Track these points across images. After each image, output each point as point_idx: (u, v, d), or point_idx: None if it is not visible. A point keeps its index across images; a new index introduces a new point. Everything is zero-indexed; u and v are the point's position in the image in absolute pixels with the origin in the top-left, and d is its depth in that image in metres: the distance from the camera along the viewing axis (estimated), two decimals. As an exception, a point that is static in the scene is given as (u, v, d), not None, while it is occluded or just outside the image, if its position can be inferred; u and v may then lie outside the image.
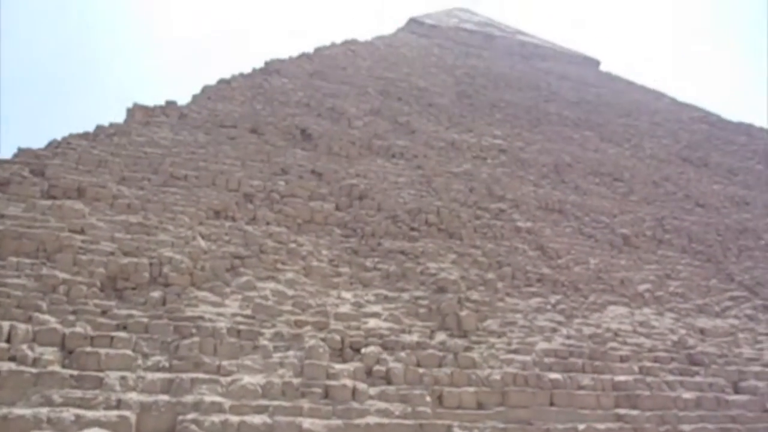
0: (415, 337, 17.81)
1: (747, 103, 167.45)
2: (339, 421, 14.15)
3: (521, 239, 25.57)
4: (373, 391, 15.41)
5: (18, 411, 12.49)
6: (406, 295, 20.04)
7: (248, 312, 17.09)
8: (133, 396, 13.54)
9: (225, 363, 15.03)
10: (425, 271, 21.37)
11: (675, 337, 21.45)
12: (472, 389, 16.38)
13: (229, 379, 14.59)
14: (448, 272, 21.40)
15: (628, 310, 23.01)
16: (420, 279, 21.02)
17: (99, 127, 24.28)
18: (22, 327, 14.55)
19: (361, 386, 15.31)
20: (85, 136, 23.39)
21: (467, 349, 17.88)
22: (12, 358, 13.79)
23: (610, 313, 22.43)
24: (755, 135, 47.91)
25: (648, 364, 19.53)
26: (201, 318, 16.20)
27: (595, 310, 22.36)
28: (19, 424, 12.22)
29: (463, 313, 19.18)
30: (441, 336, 18.34)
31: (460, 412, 15.72)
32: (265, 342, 16.12)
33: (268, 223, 21.78)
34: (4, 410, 12.44)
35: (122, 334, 15.23)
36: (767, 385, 19.80)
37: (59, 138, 22.93)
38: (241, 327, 16.33)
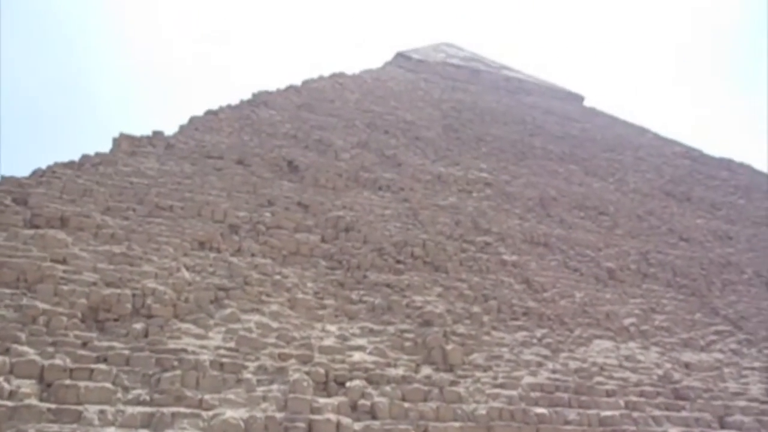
0: (400, 371, 17.66)
1: (730, 136, 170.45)
2: (322, 457, 13.89)
3: (507, 272, 25.58)
4: (357, 426, 15.20)
5: (-8, 446, 12.16)
6: (391, 329, 19.91)
7: (232, 345, 16.88)
8: (112, 431, 13.24)
9: (207, 397, 14.78)
10: (411, 304, 21.28)
11: (660, 372, 21.41)
12: (457, 424, 16.20)
13: (211, 413, 14.32)
14: (434, 305, 21.33)
15: (613, 344, 22.98)
16: (405, 312, 20.91)
17: (84, 157, 24.17)
18: (-1, 359, 14.25)
19: (346, 421, 15.10)
20: (70, 165, 23.26)
21: (453, 383, 17.73)
22: (-13, 391, 13.46)
23: (595, 347, 22.38)
24: (736, 170, 48.61)
25: (634, 398, 19.46)
26: (184, 350, 15.96)
27: (581, 344, 22.31)
28: (-7, 459, 11.89)
29: (449, 346, 19.06)
30: (426, 370, 18.19)
31: (444, 447, 15.51)
32: (249, 375, 15.89)
33: (253, 255, 21.65)
34: (-22, 445, 12.11)
35: (102, 366, 14.95)
36: (753, 420, 19.75)
37: (44, 167, 22.79)
38: (225, 360, 16.11)
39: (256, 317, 18.55)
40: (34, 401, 13.55)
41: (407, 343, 19.27)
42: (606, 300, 26.04)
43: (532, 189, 34.21)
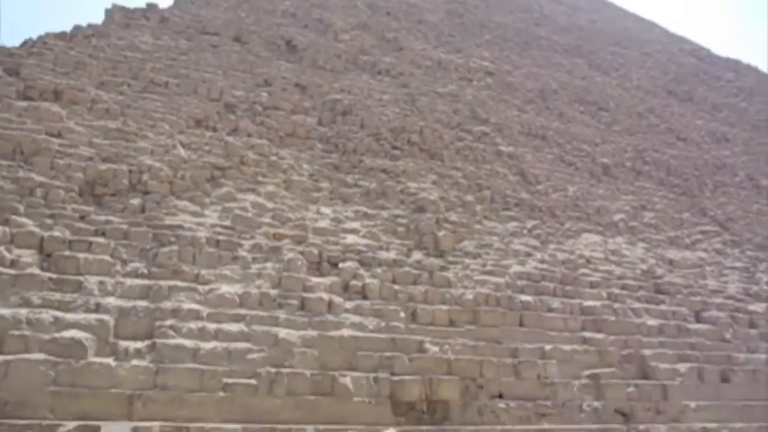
0: (392, 255, 18.11)
1: (741, 39, 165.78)
2: (314, 332, 14.51)
3: (502, 163, 25.66)
4: (348, 305, 15.76)
5: (-2, 310, 12.60)
6: (385, 213, 20.21)
7: (227, 223, 17.16)
8: (111, 301, 13.69)
9: (203, 272, 15.21)
10: (405, 191, 21.49)
11: (644, 267, 22.03)
12: (445, 307, 16.82)
13: (207, 287, 14.80)
14: (428, 192, 21.56)
15: (601, 238, 23.48)
16: (400, 198, 21.16)
17: (77, 28, 23.47)
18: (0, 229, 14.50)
19: (337, 300, 15.64)
20: (61, 36, 22.59)
21: (443, 268, 18.24)
22: (-11, 259, 13.79)
23: (584, 240, 22.88)
24: (742, 72, 47.77)
25: (616, 291, 20.13)
26: (180, 227, 16.24)
27: (570, 237, 22.79)
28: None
29: (441, 233, 19.45)
30: (417, 255, 18.66)
31: (432, 328, 16.19)
32: (244, 253, 16.28)
33: (249, 135, 21.55)
34: (-17, 309, 12.54)
35: (101, 239, 15.24)
36: (727, 316, 20.58)
37: (35, 37, 22.17)
38: (220, 237, 16.43)
39: (252, 197, 18.75)
40: (35, 270, 13.90)
41: (400, 228, 19.63)
42: (598, 195, 26.33)
43: (533, 80, 33.67)
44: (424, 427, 13.58)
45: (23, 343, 12.10)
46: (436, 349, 15.33)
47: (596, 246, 22.67)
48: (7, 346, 11.98)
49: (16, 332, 12.22)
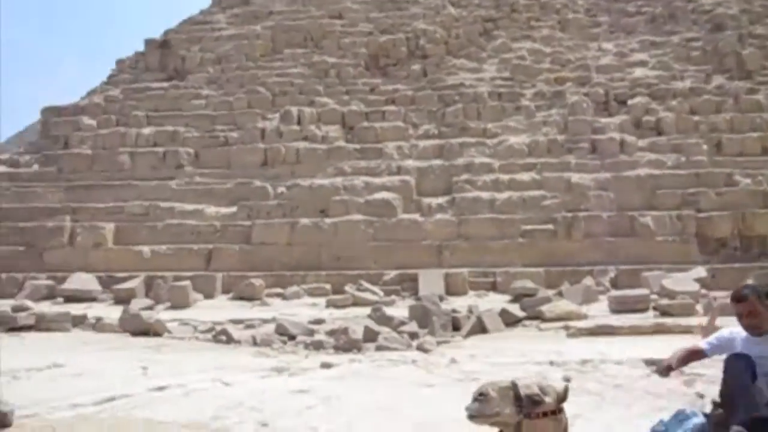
0: (687, 83, 16.48)
1: None
2: (607, 174, 14.11)
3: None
4: (642, 142, 14.95)
5: (319, 181, 14.56)
6: (675, 38, 18.21)
7: (506, 74, 17.09)
8: (410, 162, 14.89)
9: (489, 126, 15.56)
10: (698, 9, 19.00)
11: None
12: (756, 134, 15.01)
13: (495, 140, 15.18)
14: (726, 6, 18.79)
15: None
16: (692, 18, 18.80)
17: None
18: (307, 110, 16.42)
19: (630, 138, 14.91)
20: None
21: (751, 91, 16.12)
22: (305, 138, 15.81)
23: None
24: None
25: None
26: (462, 85, 16.65)
27: None
28: (322, 192, 14.31)
29: (746, 51, 17.02)
30: (719, 79, 16.69)
31: (741, 159, 14.65)
32: (527, 102, 16.19)
33: (516, -20, 20.64)
34: (308, 181, 14.58)
35: (392, 107, 16.42)
36: None
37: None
38: (501, 90, 16.51)
39: (528, 44, 18.26)
40: (342, 143, 15.63)
41: (694, 53, 17.60)
42: None
43: None
44: (737, 265, 12.62)
45: (344, 207, 13.92)
46: (748, 181, 13.93)
47: None
48: (332, 210, 13.91)
49: (337, 198, 14.09)
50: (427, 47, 18.06)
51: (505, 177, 14.22)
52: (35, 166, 16.52)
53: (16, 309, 10.36)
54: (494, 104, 16.08)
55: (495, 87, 16.58)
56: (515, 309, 9.69)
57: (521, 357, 6.77)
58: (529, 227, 13.28)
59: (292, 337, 8.36)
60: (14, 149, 20.11)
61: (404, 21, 18.95)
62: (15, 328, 9.45)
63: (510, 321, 9.18)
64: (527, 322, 9.30)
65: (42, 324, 9.66)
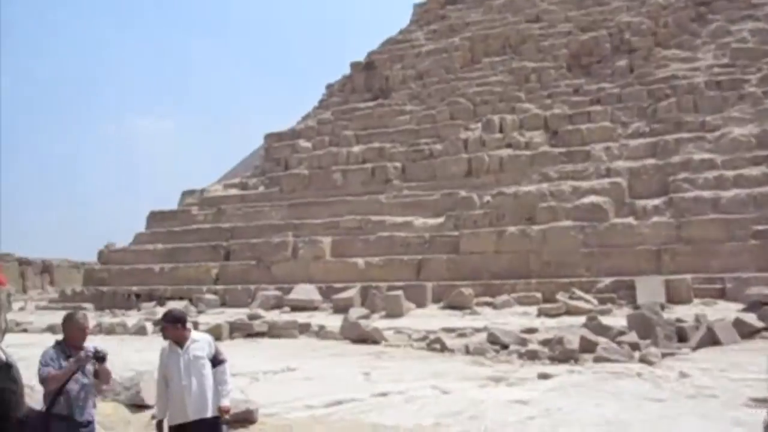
0: None
1: None
2: None
3: None
4: None
5: (524, 188, 14.37)
6: None
7: (725, 60, 15.59)
8: (620, 163, 14.13)
9: (708, 118, 14.28)
10: None
11: None
12: None
13: (716, 134, 13.89)
14: None
15: None
16: None
17: None
18: (509, 117, 16.32)
19: None
20: None
21: None
22: (508, 145, 15.73)
23: None
24: None
25: None
26: (674, 77, 15.50)
27: None
28: (528, 198, 14.08)
29: None
30: None
31: None
32: (752, 89, 14.60)
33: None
34: (513, 189, 14.45)
35: (597, 107, 15.74)
36: None
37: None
38: (721, 78, 15.07)
39: (749, 24, 16.47)
40: (546, 148, 15.29)
41: None
42: None
43: None
44: None
45: (552, 213, 13.56)
46: None
47: None
48: (539, 217, 13.62)
49: (544, 204, 13.77)
50: (632, 41, 17.08)
51: (729, 173, 12.93)
52: (261, 188, 18.26)
53: (252, 317, 11.66)
54: (713, 94, 14.73)
55: (713, 76, 15.19)
56: (752, 319, 8.75)
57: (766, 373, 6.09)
58: (761, 227, 11.94)
59: (505, 346, 8.32)
60: (243, 172, 22.40)
61: (606, 16, 18.13)
62: (251, 334, 10.64)
63: (746, 332, 8.33)
64: (767, 334, 8.37)
65: (273, 331, 10.74)
